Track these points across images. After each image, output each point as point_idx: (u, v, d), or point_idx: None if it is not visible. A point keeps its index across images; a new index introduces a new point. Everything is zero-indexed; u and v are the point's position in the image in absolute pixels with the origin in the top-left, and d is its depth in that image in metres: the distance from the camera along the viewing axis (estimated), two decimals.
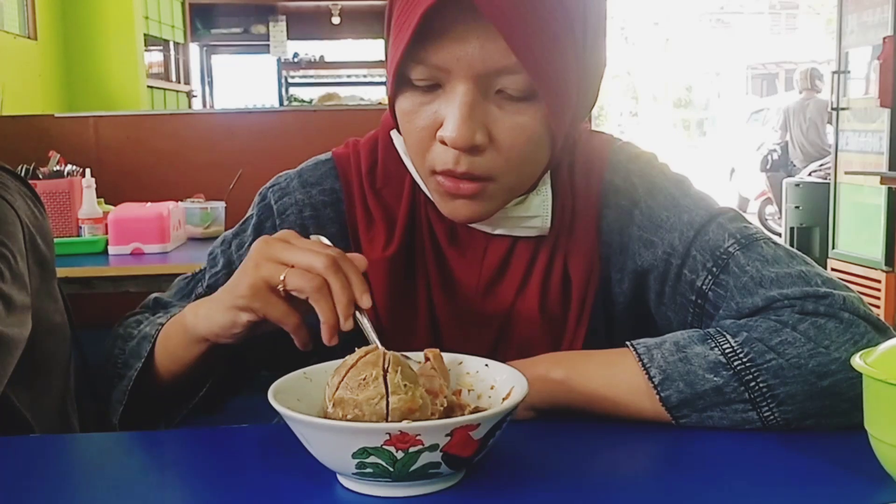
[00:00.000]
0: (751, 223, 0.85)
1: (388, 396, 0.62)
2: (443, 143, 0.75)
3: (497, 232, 0.85)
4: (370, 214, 0.87)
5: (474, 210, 0.79)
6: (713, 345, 0.74)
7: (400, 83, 0.77)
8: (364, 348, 0.67)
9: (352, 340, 0.71)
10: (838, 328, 0.73)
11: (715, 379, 0.73)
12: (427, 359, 0.72)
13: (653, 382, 0.74)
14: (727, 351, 0.74)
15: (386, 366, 0.64)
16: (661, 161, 0.91)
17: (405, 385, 0.63)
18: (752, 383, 0.72)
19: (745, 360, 0.73)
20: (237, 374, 0.87)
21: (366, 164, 0.88)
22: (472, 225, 0.85)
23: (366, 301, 0.71)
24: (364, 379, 0.63)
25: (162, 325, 0.85)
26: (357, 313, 0.71)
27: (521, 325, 0.84)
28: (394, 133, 0.86)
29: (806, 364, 0.72)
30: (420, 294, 0.85)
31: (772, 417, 0.73)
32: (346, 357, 0.67)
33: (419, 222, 0.87)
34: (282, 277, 0.71)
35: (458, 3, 0.71)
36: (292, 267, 0.71)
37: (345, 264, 0.72)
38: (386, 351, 0.66)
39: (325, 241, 0.76)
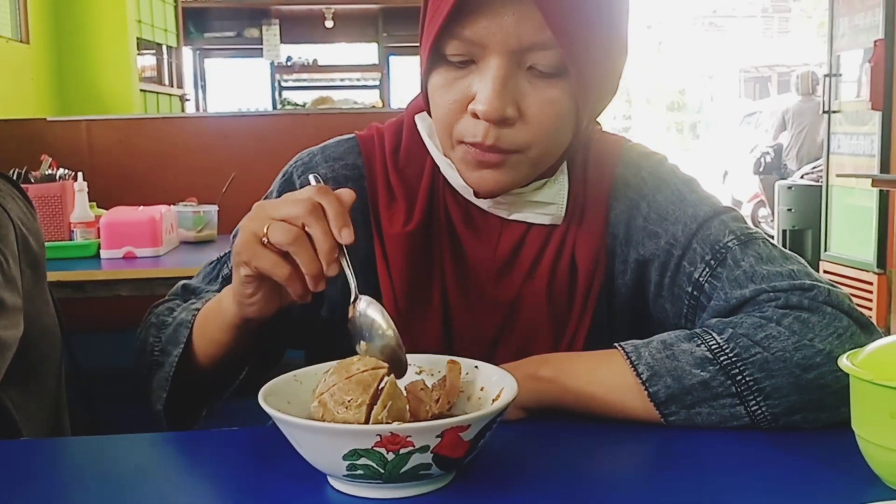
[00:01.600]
0: (752, 226, 0.87)
1: None
2: (474, 115, 0.78)
3: (513, 217, 0.86)
4: (392, 192, 0.89)
5: (498, 180, 0.81)
6: (699, 342, 0.76)
7: (434, 60, 0.80)
8: (370, 360, 0.66)
9: (347, 337, 0.71)
10: (821, 322, 0.75)
11: (702, 374, 0.74)
12: (417, 371, 0.73)
13: (641, 378, 0.75)
14: (713, 347, 0.75)
15: (375, 397, 0.63)
16: (672, 162, 0.93)
17: (388, 423, 0.62)
18: (739, 377, 0.73)
19: (730, 354, 0.74)
20: (270, 354, 0.89)
21: (389, 144, 0.91)
22: (489, 209, 0.87)
23: (345, 236, 0.70)
24: (350, 400, 0.63)
25: (198, 310, 0.86)
26: (340, 258, 0.71)
27: (528, 311, 0.86)
28: (418, 117, 0.89)
29: (791, 357, 0.73)
30: (434, 274, 0.87)
31: (759, 412, 0.73)
32: (352, 358, 0.67)
33: (437, 204, 0.89)
34: (265, 230, 0.71)
35: None
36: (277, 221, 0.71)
37: (328, 201, 0.71)
38: (386, 375, 0.65)
39: (315, 181, 0.76)
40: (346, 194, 0.72)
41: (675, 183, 0.89)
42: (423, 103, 0.86)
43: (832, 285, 0.79)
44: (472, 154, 0.80)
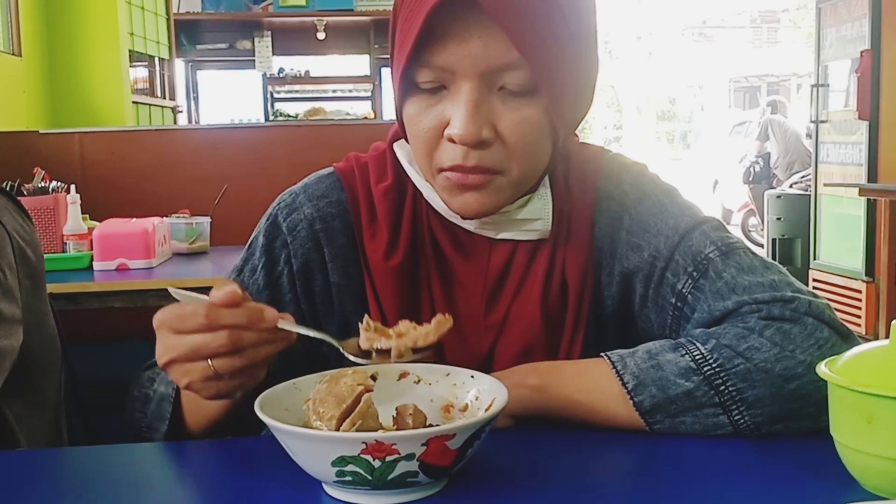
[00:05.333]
0: (732, 234, 0.88)
1: None
2: (451, 140, 0.78)
3: (500, 236, 0.87)
4: (377, 224, 0.88)
5: (482, 203, 0.81)
6: (684, 352, 0.77)
7: (406, 89, 0.80)
8: (360, 375, 0.68)
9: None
10: (802, 333, 0.76)
11: (686, 384, 0.75)
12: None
13: (626, 388, 0.76)
14: (697, 357, 0.76)
15: (348, 412, 0.65)
16: (652, 171, 0.94)
17: None
18: (722, 387, 0.75)
19: (714, 365, 0.75)
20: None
21: (374, 175, 0.90)
22: (476, 230, 0.87)
23: (270, 318, 0.69)
24: (323, 412, 0.65)
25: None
26: (279, 322, 0.70)
27: (520, 329, 0.86)
28: (396, 145, 0.89)
29: (773, 368, 0.74)
30: (423, 303, 0.87)
31: (742, 421, 0.75)
32: (346, 370, 0.69)
33: (421, 231, 0.88)
34: (213, 368, 0.69)
35: (461, 3, 0.74)
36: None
37: (230, 315, 0.68)
38: (365, 392, 0.67)
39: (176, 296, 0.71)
40: (224, 293, 0.68)
41: (656, 194, 0.90)
42: (400, 131, 0.86)
43: (813, 295, 0.80)
44: (454, 179, 0.80)
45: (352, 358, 0.72)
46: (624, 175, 0.91)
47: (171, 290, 0.72)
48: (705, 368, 0.75)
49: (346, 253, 0.89)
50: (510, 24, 0.74)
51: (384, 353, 0.71)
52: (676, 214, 0.88)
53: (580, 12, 0.80)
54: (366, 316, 0.75)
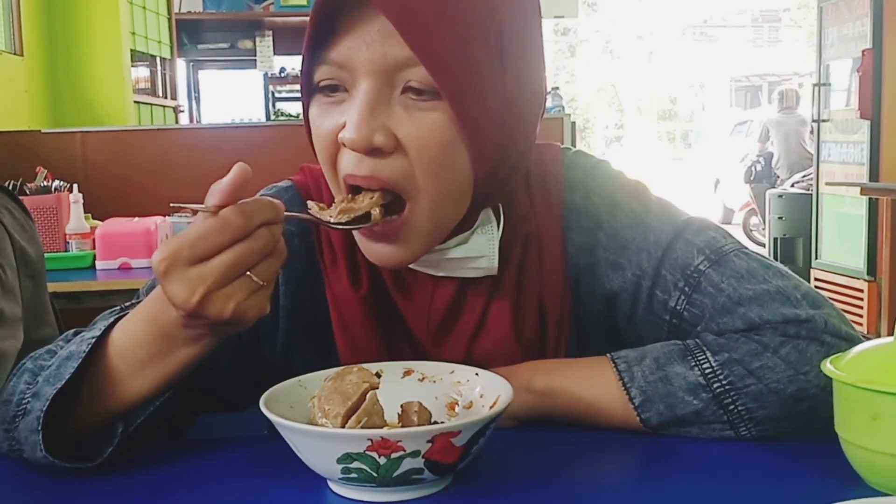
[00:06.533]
0: (718, 231, 0.83)
1: None
2: (344, 146, 0.72)
3: (441, 275, 0.80)
4: (333, 249, 0.82)
5: (394, 254, 0.74)
6: (693, 363, 0.74)
7: (311, 92, 0.75)
8: (365, 373, 0.68)
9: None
10: (820, 351, 0.73)
11: (695, 402, 0.74)
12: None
13: (633, 403, 0.75)
14: (707, 372, 0.74)
15: (353, 409, 0.65)
16: (615, 169, 0.88)
17: None
18: (732, 406, 0.73)
19: (724, 382, 0.73)
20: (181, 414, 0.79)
21: (327, 196, 0.82)
22: (416, 268, 0.80)
23: (280, 204, 0.67)
24: (328, 409, 0.65)
25: (94, 337, 0.71)
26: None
27: (495, 364, 0.79)
28: None
29: (785, 389, 0.73)
30: (386, 340, 0.82)
31: (748, 435, 0.74)
32: (351, 367, 0.69)
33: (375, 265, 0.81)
34: (254, 279, 0.64)
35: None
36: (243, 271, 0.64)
37: (260, 211, 0.65)
38: (370, 389, 0.66)
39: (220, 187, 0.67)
40: (237, 174, 0.67)
41: (627, 202, 0.84)
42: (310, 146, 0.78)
43: (826, 304, 0.77)
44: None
45: (340, 227, 0.72)
46: (589, 183, 0.85)
47: (175, 204, 0.69)
48: (715, 385, 0.73)
49: (303, 276, 0.83)
50: (400, 15, 0.68)
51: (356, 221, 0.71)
52: (654, 226, 0.82)
53: (502, 23, 0.72)
54: (311, 202, 0.73)
